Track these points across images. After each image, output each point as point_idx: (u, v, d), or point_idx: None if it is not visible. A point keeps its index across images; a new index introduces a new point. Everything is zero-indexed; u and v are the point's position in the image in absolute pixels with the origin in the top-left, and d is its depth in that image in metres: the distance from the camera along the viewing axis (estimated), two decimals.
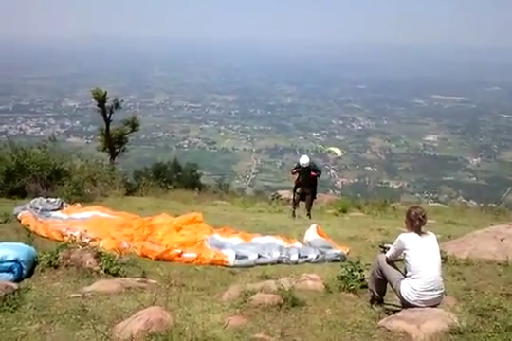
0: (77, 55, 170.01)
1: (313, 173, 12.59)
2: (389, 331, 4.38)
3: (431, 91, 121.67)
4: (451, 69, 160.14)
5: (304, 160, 12.51)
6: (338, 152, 15.18)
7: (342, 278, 5.76)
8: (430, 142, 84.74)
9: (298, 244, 8.21)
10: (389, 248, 5.13)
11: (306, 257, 7.58)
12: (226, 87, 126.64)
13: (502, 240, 7.72)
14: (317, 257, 7.59)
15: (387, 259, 5.08)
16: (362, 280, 5.67)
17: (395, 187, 63.98)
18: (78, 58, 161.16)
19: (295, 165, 13.15)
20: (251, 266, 7.22)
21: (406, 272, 4.87)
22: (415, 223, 4.86)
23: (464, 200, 48.29)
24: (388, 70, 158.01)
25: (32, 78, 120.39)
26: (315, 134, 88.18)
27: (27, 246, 6.27)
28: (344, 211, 15.04)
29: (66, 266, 5.90)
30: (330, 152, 15.36)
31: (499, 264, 6.99)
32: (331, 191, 52.79)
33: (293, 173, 12.87)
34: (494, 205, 21.30)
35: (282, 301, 4.98)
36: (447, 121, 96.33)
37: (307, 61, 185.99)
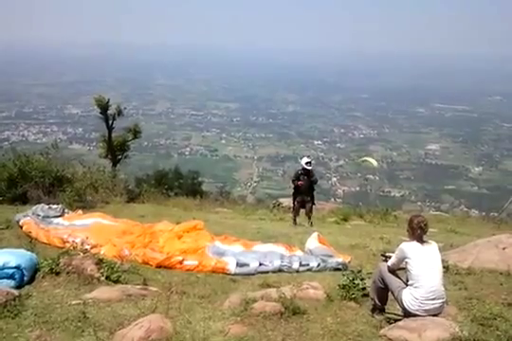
0: (80, 62, 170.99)
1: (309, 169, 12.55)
2: (390, 340, 4.38)
3: (433, 100, 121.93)
4: (454, 78, 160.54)
5: (307, 158, 12.57)
6: (374, 162, 15.34)
7: (344, 286, 5.75)
8: (432, 151, 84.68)
9: (299, 252, 8.19)
10: (390, 257, 5.13)
11: (308, 265, 7.56)
12: (228, 95, 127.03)
13: (503, 249, 7.71)
14: (318, 265, 7.57)
15: (388, 267, 5.07)
16: (364, 289, 5.66)
17: (397, 195, 63.83)
18: (81, 65, 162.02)
19: (294, 174, 13.09)
20: (252, 274, 7.20)
21: (407, 281, 4.86)
22: (417, 231, 4.86)
23: (465, 209, 48.09)
24: (390, 79, 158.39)
25: (35, 84, 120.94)
26: (316, 142, 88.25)
27: (29, 253, 6.27)
28: (346, 219, 15.03)
29: (67, 273, 5.91)
30: (366, 161, 15.50)
31: (501, 274, 6.98)
32: (332, 199, 52.67)
33: (296, 185, 12.71)
34: (496, 214, 21.22)
35: (283, 309, 4.97)
36: (448, 130, 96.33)
37: (310, 69, 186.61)
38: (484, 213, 21.82)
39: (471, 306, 5.45)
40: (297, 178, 12.65)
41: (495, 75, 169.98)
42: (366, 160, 15.43)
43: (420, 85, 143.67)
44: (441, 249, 5.27)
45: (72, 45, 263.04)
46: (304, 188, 12.60)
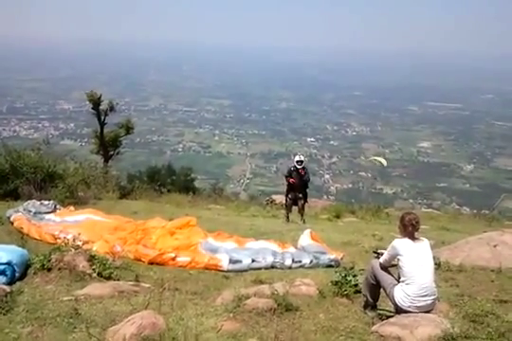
0: (73, 58, 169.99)
1: (302, 172, 12.55)
2: (382, 336, 4.38)
3: (426, 98, 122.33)
4: (446, 76, 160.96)
5: (299, 157, 12.59)
6: (384, 162, 15.68)
7: (336, 283, 5.76)
8: (424, 148, 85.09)
9: (292, 249, 8.20)
10: (382, 254, 5.14)
11: (300, 262, 7.58)
12: (221, 92, 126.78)
13: (495, 246, 7.77)
14: (311, 262, 7.58)
15: (381, 264, 5.09)
16: (356, 286, 5.67)
17: (389, 192, 64.09)
18: (74, 61, 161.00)
19: (287, 170, 13.12)
20: (245, 271, 7.21)
21: (399, 277, 4.87)
22: (409, 228, 4.87)
23: (457, 206, 48.45)
24: (386, 77, 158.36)
25: (28, 80, 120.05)
26: (309, 139, 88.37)
27: (20, 249, 6.24)
28: (338, 216, 15.09)
29: (59, 269, 5.87)
30: (375, 161, 15.90)
31: (492, 271, 7.02)
32: (325, 197, 52.81)
33: (289, 182, 12.74)
34: (487, 211, 21.37)
35: (275, 306, 4.96)
36: (440, 128, 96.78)
37: (305, 67, 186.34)
38: (475, 211, 21.92)
39: (463, 303, 5.48)
40: (289, 175, 12.69)
41: (488, 73, 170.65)
42: (376, 159, 15.78)
43: (415, 83, 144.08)
44: (432, 246, 5.29)
45: (71, 42, 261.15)
46: (297, 186, 12.63)
